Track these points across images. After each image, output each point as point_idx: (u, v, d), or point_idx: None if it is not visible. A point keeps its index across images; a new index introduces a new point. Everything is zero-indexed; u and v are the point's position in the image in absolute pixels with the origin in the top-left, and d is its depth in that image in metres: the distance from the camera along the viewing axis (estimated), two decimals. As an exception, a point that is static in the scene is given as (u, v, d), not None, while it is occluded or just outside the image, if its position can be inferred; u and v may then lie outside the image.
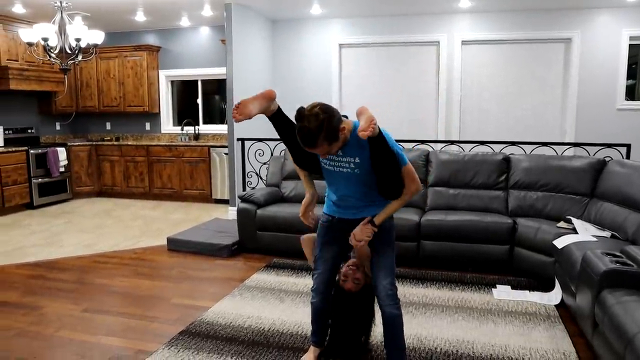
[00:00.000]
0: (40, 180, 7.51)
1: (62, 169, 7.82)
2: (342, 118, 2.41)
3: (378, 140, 2.36)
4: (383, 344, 2.74)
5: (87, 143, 8.39)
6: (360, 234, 2.52)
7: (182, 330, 3.34)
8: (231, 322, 3.44)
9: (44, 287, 4.24)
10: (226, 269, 4.69)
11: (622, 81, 6.67)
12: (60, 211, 7.36)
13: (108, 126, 9.05)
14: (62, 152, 7.81)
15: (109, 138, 8.87)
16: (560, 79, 6.89)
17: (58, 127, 8.77)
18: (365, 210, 2.64)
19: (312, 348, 2.93)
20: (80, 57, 4.88)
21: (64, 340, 3.25)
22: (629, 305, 2.48)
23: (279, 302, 3.80)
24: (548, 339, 3.16)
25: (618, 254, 3.00)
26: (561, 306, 3.68)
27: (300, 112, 2.32)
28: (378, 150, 2.40)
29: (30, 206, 7.42)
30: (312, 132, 2.27)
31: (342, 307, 2.79)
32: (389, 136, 2.45)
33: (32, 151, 7.40)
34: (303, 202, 2.84)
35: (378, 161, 2.44)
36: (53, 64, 7.37)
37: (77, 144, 8.26)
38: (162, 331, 3.35)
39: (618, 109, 6.77)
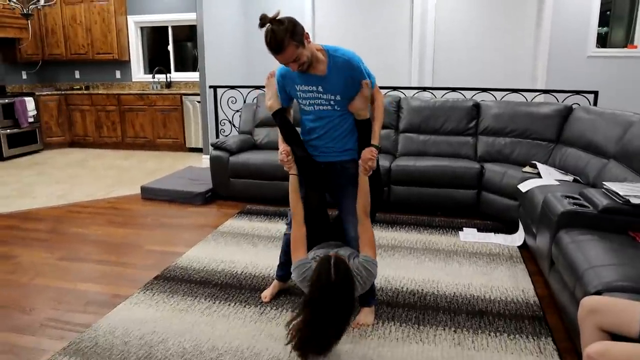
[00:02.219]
0: (8, 131, 7.36)
1: (31, 120, 7.67)
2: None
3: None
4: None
5: (56, 92, 8.19)
6: (367, 155, 2.54)
7: (157, 275, 3.41)
8: (205, 267, 3.53)
9: (18, 237, 4.25)
10: (200, 216, 4.75)
11: (593, 28, 6.69)
12: (31, 162, 7.27)
13: (77, 75, 8.82)
14: (30, 102, 7.63)
15: (78, 87, 8.65)
16: (532, 26, 6.88)
17: (24, 76, 8.52)
18: (342, 155, 2.72)
19: (274, 283, 3.09)
20: (42, 2, 4.70)
21: (40, 287, 3.31)
22: (582, 244, 2.62)
23: (252, 247, 3.90)
24: (509, 278, 3.33)
25: (576, 196, 3.13)
26: (523, 247, 3.84)
27: (264, 16, 2.34)
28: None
29: (-1, 157, 7.31)
30: (278, 33, 2.30)
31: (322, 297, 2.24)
32: (364, 68, 2.58)
33: (-2, 101, 7.22)
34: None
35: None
36: (13, 9, 7.11)
37: (45, 93, 8.06)
38: (137, 276, 3.43)
39: (589, 57, 6.82)
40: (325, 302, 2.20)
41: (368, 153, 2.54)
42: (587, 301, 1.86)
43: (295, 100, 2.74)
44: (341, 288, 2.23)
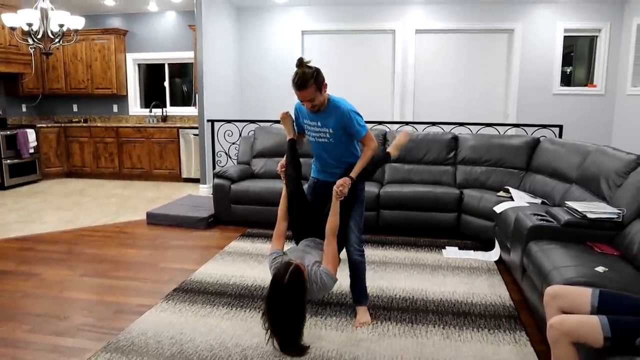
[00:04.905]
0: (9, 161, 7.67)
1: (31, 150, 7.99)
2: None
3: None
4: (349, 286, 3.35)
5: (56, 125, 8.57)
6: (340, 182, 3.06)
7: (175, 287, 3.80)
8: (218, 280, 3.93)
9: (36, 257, 4.58)
10: (205, 238, 5.14)
11: (557, 69, 7.41)
12: (33, 191, 7.57)
13: (75, 108, 9.21)
14: (31, 134, 7.98)
15: (77, 120, 9.03)
16: (503, 66, 7.57)
17: (24, 109, 8.88)
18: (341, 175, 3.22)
19: None
20: (61, 42, 5.16)
21: (69, 299, 3.66)
22: (548, 252, 3.11)
23: (258, 264, 4.31)
24: (488, 287, 3.80)
25: (543, 214, 3.65)
26: (499, 262, 4.34)
27: (301, 60, 2.95)
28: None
29: (1, 187, 7.58)
30: (306, 75, 2.89)
31: (275, 299, 2.71)
32: (354, 117, 3.08)
33: (1, 132, 7.54)
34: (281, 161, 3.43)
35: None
36: (19, 46, 7.56)
37: (45, 125, 8.42)
38: (157, 289, 3.80)
39: (554, 94, 7.52)
40: (275, 300, 2.68)
41: (341, 180, 3.08)
42: (551, 289, 2.32)
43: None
44: (290, 292, 2.69)
